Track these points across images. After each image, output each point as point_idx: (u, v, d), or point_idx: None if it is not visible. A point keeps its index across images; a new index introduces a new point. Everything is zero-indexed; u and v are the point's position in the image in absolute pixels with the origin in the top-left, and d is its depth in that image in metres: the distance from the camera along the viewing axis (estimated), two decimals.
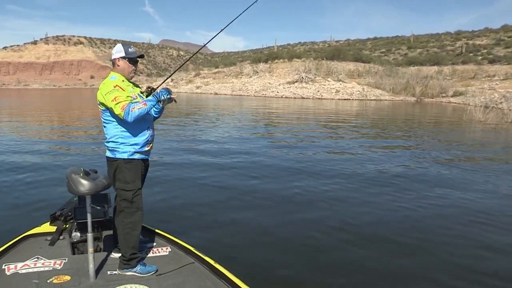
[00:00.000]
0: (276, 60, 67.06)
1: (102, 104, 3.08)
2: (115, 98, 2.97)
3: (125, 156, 3.10)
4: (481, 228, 5.21)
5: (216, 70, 72.59)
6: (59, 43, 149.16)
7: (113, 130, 3.12)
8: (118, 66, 3.20)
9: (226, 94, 50.25)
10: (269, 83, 53.12)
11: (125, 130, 3.10)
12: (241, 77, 60.98)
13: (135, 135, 3.13)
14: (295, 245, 4.60)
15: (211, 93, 53.03)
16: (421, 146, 11.85)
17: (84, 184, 2.85)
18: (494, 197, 6.67)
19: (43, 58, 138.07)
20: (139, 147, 3.15)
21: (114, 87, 3.02)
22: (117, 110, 2.96)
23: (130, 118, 2.96)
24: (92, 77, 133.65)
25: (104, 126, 3.19)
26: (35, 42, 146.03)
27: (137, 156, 3.15)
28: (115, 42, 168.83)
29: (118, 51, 3.19)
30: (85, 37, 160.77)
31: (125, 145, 3.11)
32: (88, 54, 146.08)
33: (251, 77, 59.44)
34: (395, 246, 4.61)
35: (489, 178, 7.88)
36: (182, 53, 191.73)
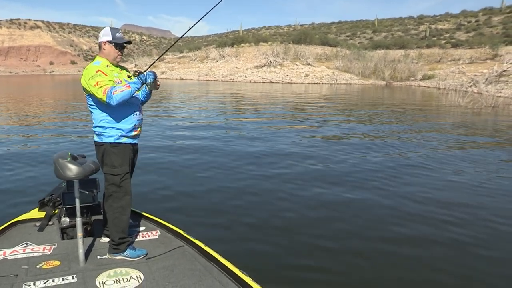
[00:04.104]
0: (242, 44, 66.72)
1: (86, 89, 3.03)
2: (97, 83, 2.92)
3: (111, 140, 3.07)
4: None
5: (181, 55, 71.45)
6: (13, 27, 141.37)
7: (99, 115, 3.07)
8: (104, 50, 3.13)
9: (192, 79, 49.65)
10: (236, 67, 52.89)
11: (111, 114, 3.05)
12: (207, 62, 60.42)
13: (121, 119, 3.08)
14: (286, 228, 4.65)
15: (176, 79, 52.24)
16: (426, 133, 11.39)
17: (72, 169, 2.81)
18: None
19: None
20: (125, 131, 3.10)
21: (96, 72, 2.97)
22: (100, 94, 2.91)
23: (112, 102, 2.91)
24: (51, 63, 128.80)
25: (90, 111, 3.14)
26: None
27: (124, 140, 3.11)
28: (75, 27, 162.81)
29: (105, 35, 3.12)
30: (42, 21, 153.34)
31: (111, 129, 3.06)
32: (46, 39, 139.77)
33: (217, 61, 58.99)
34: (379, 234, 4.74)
35: None
36: (145, 37, 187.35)
